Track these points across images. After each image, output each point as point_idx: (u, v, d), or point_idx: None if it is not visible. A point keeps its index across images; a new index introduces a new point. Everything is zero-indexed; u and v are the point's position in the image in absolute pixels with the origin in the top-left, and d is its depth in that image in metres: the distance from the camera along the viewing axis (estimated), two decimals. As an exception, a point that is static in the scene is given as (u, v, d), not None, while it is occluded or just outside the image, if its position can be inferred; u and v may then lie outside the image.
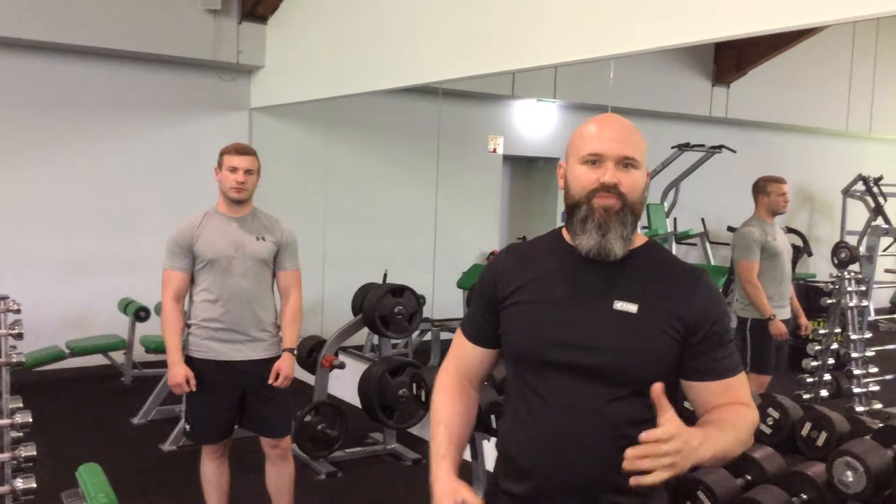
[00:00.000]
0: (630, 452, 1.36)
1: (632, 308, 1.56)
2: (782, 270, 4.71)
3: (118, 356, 6.17)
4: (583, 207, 1.58)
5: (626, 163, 1.57)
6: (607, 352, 1.55)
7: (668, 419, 1.38)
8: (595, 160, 1.57)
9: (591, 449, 1.56)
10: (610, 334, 1.56)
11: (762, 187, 4.74)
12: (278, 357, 3.34)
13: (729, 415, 1.55)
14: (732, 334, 1.65)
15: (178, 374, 3.20)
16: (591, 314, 1.58)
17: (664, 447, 1.35)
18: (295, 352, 3.40)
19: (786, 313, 4.75)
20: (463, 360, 1.78)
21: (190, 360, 3.27)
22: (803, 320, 4.96)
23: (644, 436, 1.37)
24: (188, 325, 3.33)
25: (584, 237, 1.57)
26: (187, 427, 3.43)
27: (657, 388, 1.40)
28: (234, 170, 3.25)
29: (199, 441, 3.42)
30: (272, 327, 3.38)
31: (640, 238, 1.64)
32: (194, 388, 3.22)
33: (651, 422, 1.49)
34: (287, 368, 3.31)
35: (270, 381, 3.29)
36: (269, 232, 3.34)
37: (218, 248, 3.24)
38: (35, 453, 2.80)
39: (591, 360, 1.56)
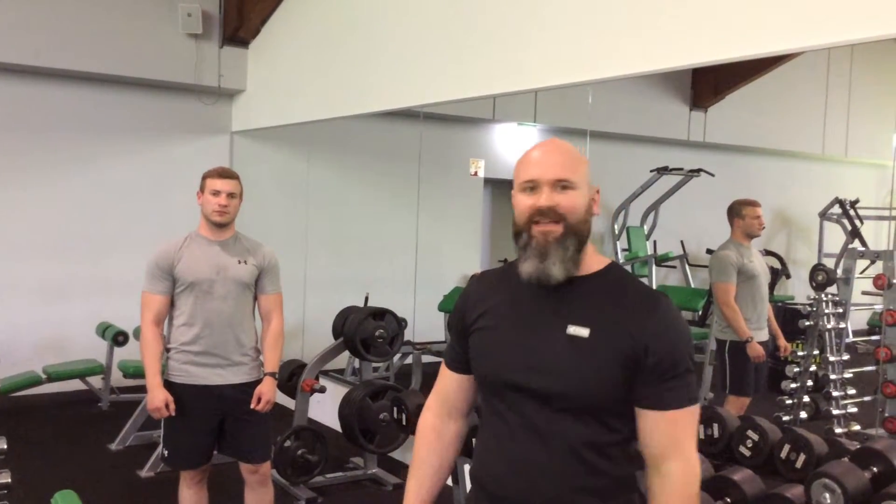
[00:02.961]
0: None
1: (583, 332, 1.56)
2: (759, 292, 4.75)
3: (96, 381, 6.11)
4: (523, 235, 1.61)
5: (563, 185, 1.59)
6: (559, 375, 1.57)
7: None
8: (532, 186, 1.60)
9: (551, 471, 1.58)
10: (561, 358, 1.57)
11: (737, 210, 4.78)
12: (259, 381, 3.33)
13: None
14: (691, 364, 1.61)
15: (158, 398, 3.17)
16: (545, 338, 1.60)
17: None
18: (276, 376, 3.39)
19: (763, 335, 4.78)
20: (445, 390, 1.82)
21: (169, 385, 3.24)
22: (782, 342, 4.99)
23: None
24: (167, 350, 3.31)
25: (524, 264, 1.60)
26: (165, 452, 3.38)
27: None
28: (216, 193, 3.25)
29: (177, 466, 3.38)
30: (252, 351, 3.36)
31: (601, 261, 1.65)
32: (173, 413, 3.20)
33: (609, 446, 1.56)
34: (269, 392, 3.30)
35: (252, 406, 3.27)
36: (250, 255, 3.34)
37: (199, 271, 3.23)
38: (10, 480, 2.75)
39: (545, 384, 1.57)
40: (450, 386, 1.80)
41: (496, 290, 1.71)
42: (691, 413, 1.58)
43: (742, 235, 4.76)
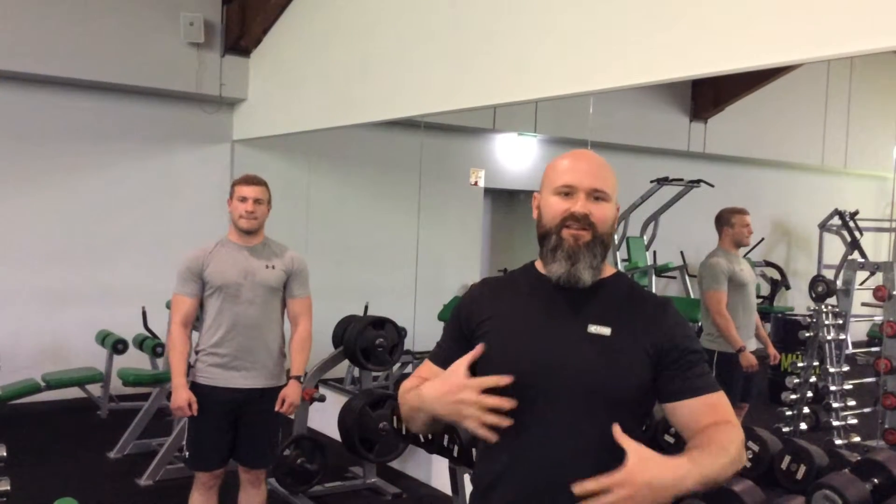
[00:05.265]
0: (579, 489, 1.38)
1: (605, 331, 1.60)
2: (748, 301, 4.69)
3: (95, 389, 6.10)
4: (553, 237, 1.63)
5: (597, 196, 1.63)
6: (583, 373, 1.58)
7: (629, 457, 1.39)
8: (568, 191, 1.63)
9: (570, 472, 1.57)
10: (585, 356, 1.59)
11: (726, 219, 4.73)
12: (281, 385, 3.39)
13: (715, 435, 1.54)
14: (706, 356, 1.67)
15: (182, 397, 3.24)
16: (566, 337, 1.62)
17: (610, 497, 1.35)
18: (302, 379, 3.44)
19: (752, 344, 4.71)
20: (425, 378, 1.74)
21: (194, 386, 3.30)
22: (772, 350, 4.93)
23: (588, 485, 1.37)
24: (196, 352, 3.37)
25: (554, 265, 1.62)
26: (187, 454, 3.42)
27: (616, 430, 1.43)
28: (243, 199, 3.34)
29: (198, 467, 3.41)
30: (278, 355, 3.42)
31: (608, 269, 1.70)
32: (195, 413, 3.25)
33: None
34: (293, 395, 3.37)
35: (276, 408, 3.34)
36: (279, 260, 3.41)
37: (227, 275, 3.30)
38: (9, 488, 2.74)
39: (568, 382, 1.58)
40: (433, 376, 1.72)
41: (502, 296, 1.72)
42: (724, 395, 1.63)
43: (731, 244, 4.72)
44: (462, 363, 1.56)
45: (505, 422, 1.51)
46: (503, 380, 1.52)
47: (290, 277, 3.44)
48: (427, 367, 1.78)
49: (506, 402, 1.51)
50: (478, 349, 1.58)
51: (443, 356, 1.76)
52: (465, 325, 1.73)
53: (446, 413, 1.55)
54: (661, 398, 1.64)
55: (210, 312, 3.34)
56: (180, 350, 3.31)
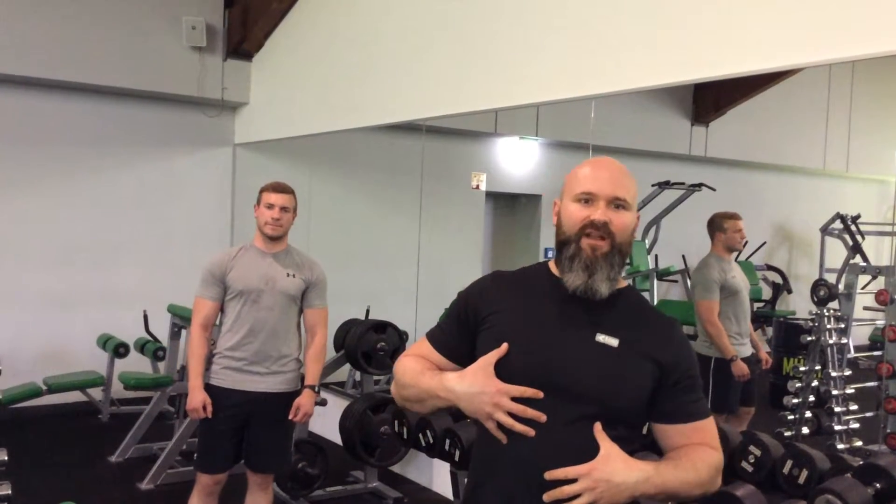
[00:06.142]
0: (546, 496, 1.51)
1: (613, 342, 1.60)
2: (742, 307, 4.67)
3: (96, 393, 6.10)
4: (572, 245, 1.62)
5: (618, 203, 1.63)
6: (586, 381, 1.58)
7: (601, 454, 1.51)
8: (588, 199, 1.63)
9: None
10: (590, 364, 1.59)
11: (718, 224, 4.70)
12: (294, 392, 3.43)
13: (691, 453, 1.61)
14: (701, 381, 1.71)
15: (197, 399, 3.29)
16: (573, 344, 1.61)
17: (574, 487, 1.48)
18: (316, 388, 3.48)
19: (747, 350, 4.68)
20: (425, 356, 1.76)
21: (209, 388, 3.33)
22: (763, 354, 4.90)
23: (556, 473, 1.50)
24: (213, 354, 3.40)
25: (571, 275, 1.62)
26: (195, 455, 3.46)
27: (597, 427, 1.53)
28: (270, 206, 3.39)
29: (204, 469, 3.42)
30: (293, 362, 3.45)
31: (621, 281, 1.69)
32: (210, 415, 3.29)
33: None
34: (307, 405, 3.41)
35: (290, 416, 3.38)
36: (300, 269, 3.45)
37: (249, 280, 3.35)
38: (10, 492, 2.75)
39: (569, 387, 1.58)
40: (431, 357, 1.75)
41: (513, 292, 1.71)
42: (712, 423, 1.68)
43: (723, 249, 4.69)
44: (491, 363, 1.59)
45: (531, 432, 1.56)
46: (538, 393, 1.56)
47: (309, 287, 3.48)
48: (425, 345, 1.79)
49: (541, 416, 1.55)
50: (503, 348, 1.60)
51: (441, 339, 1.77)
52: (471, 316, 1.71)
53: (472, 410, 1.60)
54: (652, 417, 1.66)
55: (229, 316, 3.39)
56: (198, 353, 3.35)
